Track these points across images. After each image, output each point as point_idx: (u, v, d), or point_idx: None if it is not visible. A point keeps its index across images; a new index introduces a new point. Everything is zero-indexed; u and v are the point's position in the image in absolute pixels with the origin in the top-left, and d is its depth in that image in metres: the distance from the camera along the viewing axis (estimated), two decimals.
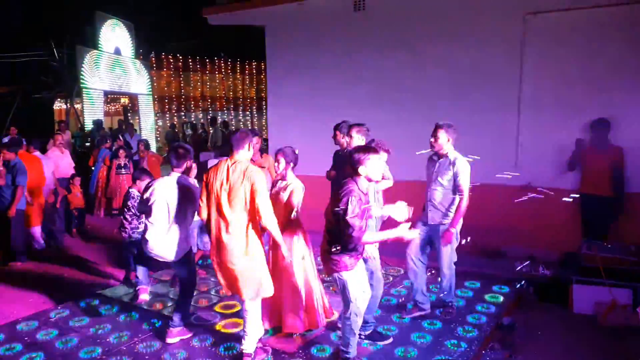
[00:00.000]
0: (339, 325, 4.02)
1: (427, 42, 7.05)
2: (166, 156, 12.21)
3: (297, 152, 4.38)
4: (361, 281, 3.67)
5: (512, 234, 6.38)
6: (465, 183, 4.41)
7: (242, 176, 3.67)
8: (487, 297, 5.20)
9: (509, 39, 6.53)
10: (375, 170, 3.53)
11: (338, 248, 3.51)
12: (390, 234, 3.62)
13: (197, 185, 4.74)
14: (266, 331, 4.26)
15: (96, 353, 4.12)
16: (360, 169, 3.48)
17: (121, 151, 9.52)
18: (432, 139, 4.51)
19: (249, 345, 3.82)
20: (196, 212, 4.11)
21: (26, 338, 4.42)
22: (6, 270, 6.49)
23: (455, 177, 4.42)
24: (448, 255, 4.57)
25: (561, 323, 4.79)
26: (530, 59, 6.42)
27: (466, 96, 6.73)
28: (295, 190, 4.23)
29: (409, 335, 4.33)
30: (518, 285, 5.43)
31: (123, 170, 9.42)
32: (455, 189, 4.44)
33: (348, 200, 3.37)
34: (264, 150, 5.90)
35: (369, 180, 3.56)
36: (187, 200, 4.16)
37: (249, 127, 21.53)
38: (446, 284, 4.69)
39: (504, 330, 4.60)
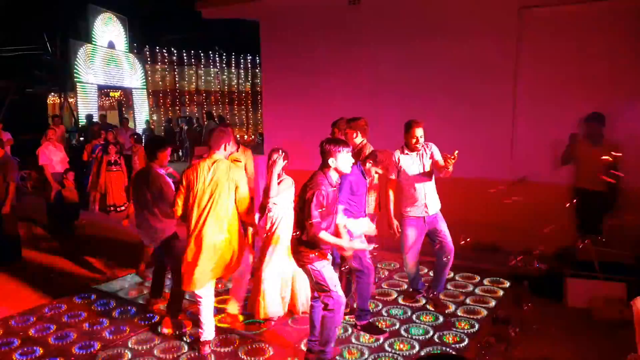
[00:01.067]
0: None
1: (422, 36, 7.03)
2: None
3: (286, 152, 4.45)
4: (334, 276, 3.66)
5: (507, 229, 6.40)
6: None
7: (226, 175, 3.80)
8: (482, 290, 5.23)
9: (503, 33, 6.53)
10: (345, 164, 3.55)
11: (298, 233, 3.52)
12: (344, 244, 3.63)
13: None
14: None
15: (92, 348, 4.11)
16: (330, 161, 3.50)
17: (111, 147, 9.20)
18: (418, 138, 4.48)
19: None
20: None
21: (21, 333, 4.41)
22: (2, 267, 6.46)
23: (433, 156, 4.54)
24: None
25: (556, 317, 4.81)
26: (525, 53, 6.42)
27: (461, 90, 6.72)
28: (283, 183, 4.41)
29: (405, 329, 4.35)
30: (513, 280, 5.45)
31: (114, 167, 9.15)
32: (435, 165, 4.52)
33: (314, 193, 3.41)
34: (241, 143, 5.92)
35: (339, 173, 3.58)
36: None
37: (242, 122, 21.51)
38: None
39: (499, 324, 4.62)
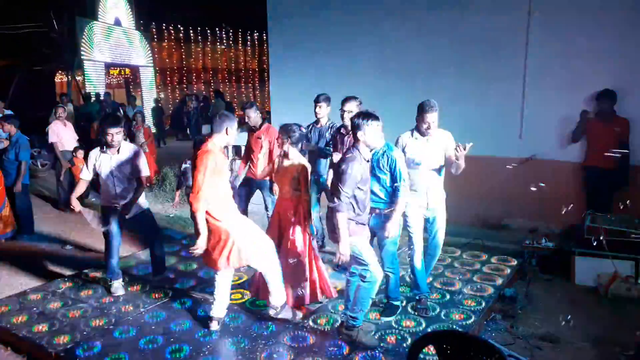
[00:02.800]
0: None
1: (432, 11, 6.91)
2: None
3: (303, 130, 4.34)
4: (371, 250, 3.70)
5: (515, 206, 6.39)
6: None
7: (199, 158, 3.77)
8: (489, 268, 5.24)
9: (514, 9, 6.40)
10: (374, 137, 3.56)
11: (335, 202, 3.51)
12: (345, 239, 3.55)
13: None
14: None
15: (104, 323, 4.19)
16: (359, 134, 3.52)
17: None
18: (430, 124, 4.11)
19: (275, 299, 4.06)
20: None
21: (34, 308, 4.49)
22: (16, 243, 6.58)
23: (447, 148, 4.22)
24: None
25: (563, 294, 4.84)
26: (536, 29, 6.30)
27: (471, 67, 6.63)
28: (303, 170, 4.26)
29: (413, 306, 4.38)
30: (521, 257, 5.46)
31: None
32: (447, 161, 4.26)
33: (348, 166, 3.48)
34: (265, 121, 5.93)
35: (370, 147, 3.60)
36: None
37: (251, 100, 21.40)
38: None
39: (505, 301, 4.65)
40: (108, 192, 4.63)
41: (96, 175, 4.65)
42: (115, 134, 4.46)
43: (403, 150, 4.21)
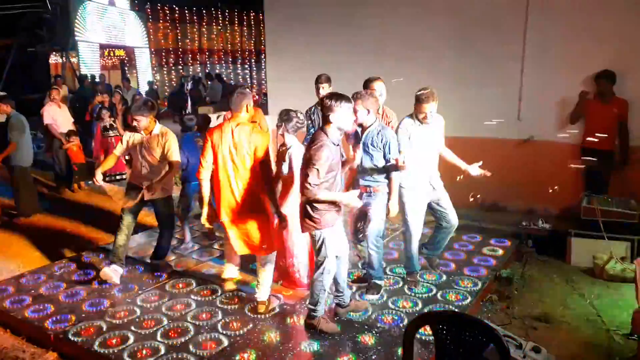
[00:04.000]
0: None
1: None
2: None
3: (301, 117, 4.25)
4: (337, 242, 3.66)
5: (513, 188, 6.40)
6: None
7: (248, 139, 3.79)
8: (485, 250, 5.26)
9: None
10: (346, 119, 3.46)
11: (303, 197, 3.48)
12: (341, 197, 3.58)
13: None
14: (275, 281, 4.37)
15: (102, 305, 4.21)
16: (331, 116, 3.42)
17: (104, 112, 8.58)
18: (427, 114, 4.12)
19: (262, 293, 4.04)
20: None
21: (33, 291, 4.51)
22: (17, 224, 6.59)
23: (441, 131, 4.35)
24: None
25: (558, 275, 4.87)
26: (535, 10, 6.23)
27: (469, 48, 6.56)
28: (294, 155, 4.22)
29: (409, 287, 4.41)
30: (517, 239, 5.49)
31: (110, 132, 8.52)
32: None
33: (315, 152, 3.35)
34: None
35: (340, 130, 3.51)
36: None
37: (247, 82, 21.28)
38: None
39: (501, 282, 4.68)
40: (136, 171, 4.67)
41: (129, 153, 4.75)
42: (139, 120, 4.48)
43: (407, 131, 4.24)
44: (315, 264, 3.68)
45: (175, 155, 4.60)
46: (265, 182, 3.90)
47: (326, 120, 3.45)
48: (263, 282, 4.03)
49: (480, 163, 4.21)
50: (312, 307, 3.70)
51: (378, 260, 4.25)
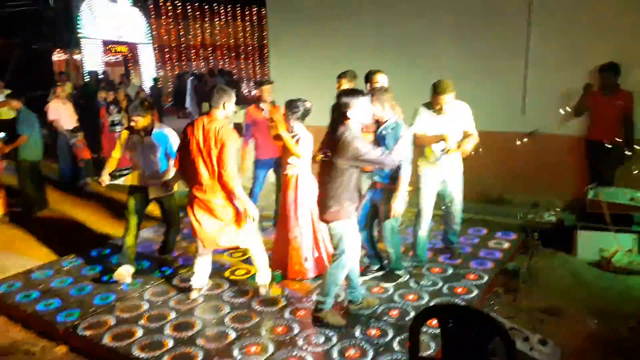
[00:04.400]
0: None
1: None
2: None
3: (307, 105, 4.38)
4: (356, 234, 3.69)
5: (518, 181, 6.39)
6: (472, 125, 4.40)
7: (215, 135, 3.77)
8: (491, 243, 5.27)
9: None
10: (364, 113, 3.50)
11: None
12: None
13: None
14: (274, 277, 4.40)
15: (110, 300, 4.24)
16: (349, 113, 3.43)
17: (112, 107, 8.74)
18: (443, 105, 4.19)
19: (263, 277, 4.20)
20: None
21: (42, 285, 4.55)
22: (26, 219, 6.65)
23: (466, 119, 4.37)
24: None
25: (564, 268, 4.87)
26: (538, 4, 6.20)
27: (472, 41, 6.53)
28: (300, 141, 4.31)
29: (415, 280, 4.42)
30: (523, 232, 5.48)
31: (117, 127, 8.69)
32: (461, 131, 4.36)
33: (356, 143, 3.38)
34: (274, 101, 5.81)
35: (361, 124, 3.56)
36: None
37: (256, 77, 21.25)
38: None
39: (508, 275, 4.69)
40: (139, 171, 4.68)
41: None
42: (136, 120, 4.48)
43: (423, 121, 4.31)
44: (333, 257, 3.71)
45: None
46: (227, 176, 3.80)
47: (344, 117, 3.45)
48: (259, 265, 4.19)
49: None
50: (321, 299, 3.72)
51: (395, 254, 4.33)
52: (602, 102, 5.71)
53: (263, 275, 4.24)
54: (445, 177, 4.48)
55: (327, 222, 3.63)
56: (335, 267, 3.64)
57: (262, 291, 4.19)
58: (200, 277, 4.25)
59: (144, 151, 4.60)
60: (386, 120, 4.07)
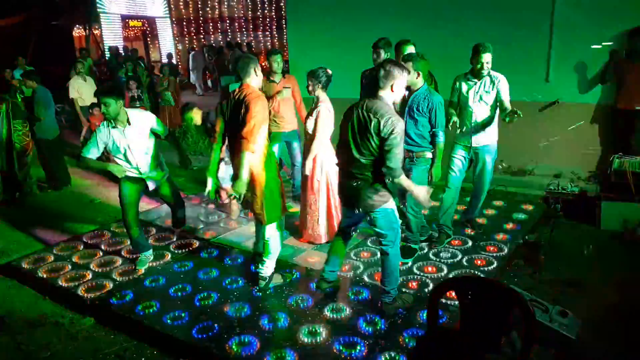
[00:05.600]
0: None
1: None
2: None
3: (329, 72, 4.39)
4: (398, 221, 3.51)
5: (541, 151, 6.27)
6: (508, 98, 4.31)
7: (243, 101, 3.58)
8: (513, 214, 5.21)
9: None
10: (401, 91, 3.29)
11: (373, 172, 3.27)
12: (417, 190, 3.31)
13: None
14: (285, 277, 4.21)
15: (135, 272, 4.36)
16: (394, 85, 3.18)
17: (131, 82, 8.65)
18: (484, 64, 4.19)
19: (267, 270, 3.97)
20: None
21: (68, 260, 4.68)
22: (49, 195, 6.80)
23: (499, 93, 4.28)
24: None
25: (587, 239, 4.80)
26: None
27: (496, 9, 6.35)
28: (321, 113, 4.36)
29: (434, 253, 4.42)
30: (544, 202, 5.41)
31: (137, 102, 8.67)
32: (499, 106, 4.32)
33: (399, 127, 3.10)
34: (286, 71, 5.76)
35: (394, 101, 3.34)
36: None
37: (270, 48, 21.06)
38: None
39: (528, 247, 4.65)
40: (127, 165, 4.21)
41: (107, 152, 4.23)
42: (107, 105, 3.97)
43: (459, 91, 4.36)
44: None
45: (164, 132, 4.35)
46: (249, 141, 3.51)
47: (383, 87, 3.20)
48: (268, 258, 3.91)
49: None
50: (385, 290, 3.53)
51: (416, 224, 4.32)
52: (630, 69, 5.52)
53: (267, 266, 3.96)
54: (474, 145, 4.46)
55: (373, 209, 3.38)
56: (388, 254, 3.44)
57: (261, 283, 3.98)
58: (270, 265, 3.98)
59: (131, 143, 4.15)
60: (417, 89, 4.02)
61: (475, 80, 4.34)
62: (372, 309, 3.61)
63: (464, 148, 4.49)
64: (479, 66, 4.24)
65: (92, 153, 4.11)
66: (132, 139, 4.12)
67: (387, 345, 3.19)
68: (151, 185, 4.37)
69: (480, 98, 4.33)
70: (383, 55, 4.66)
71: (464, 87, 4.39)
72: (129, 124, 4.10)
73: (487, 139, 4.45)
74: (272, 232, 3.85)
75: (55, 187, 6.99)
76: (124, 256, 4.69)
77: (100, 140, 4.10)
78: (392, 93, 3.21)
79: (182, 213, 4.86)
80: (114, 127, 4.08)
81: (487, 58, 4.20)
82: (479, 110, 4.36)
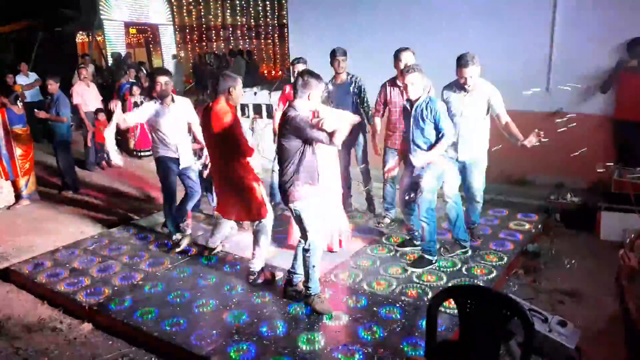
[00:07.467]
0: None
1: None
2: None
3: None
4: (317, 213, 3.66)
5: (541, 161, 6.27)
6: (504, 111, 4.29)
7: (216, 120, 3.95)
8: (512, 224, 5.21)
9: None
10: (317, 99, 3.58)
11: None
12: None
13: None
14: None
15: (134, 279, 4.34)
16: (311, 95, 3.50)
17: (135, 88, 8.70)
18: (466, 78, 4.12)
19: (257, 264, 4.15)
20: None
21: (68, 265, 4.67)
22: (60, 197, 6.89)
23: (492, 108, 4.26)
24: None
25: (587, 249, 4.79)
26: None
27: (497, 18, 6.38)
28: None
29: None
30: (545, 213, 5.41)
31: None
32: (497, 121, 4.29)
33: (299, 122, 3.42)
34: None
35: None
36: None
37: (276, 57, 21.14)
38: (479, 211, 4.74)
39: (529, 256, 4.64)
40: (167, 143, 4.67)
41: (151, 126, 4.69)
42: (164, 83, 4.55)
43: (446, 102, 4.31)
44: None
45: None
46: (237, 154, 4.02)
47: (301, 96, 3.51)
48: (257, 253, 4.13)
49: (536, 131, 4.08)
50: (306, 285, 3.76)
51: (429, 232, 4.24)
52: (630, 80, 5.54)
53: (256, 260, 4.16)
54: (461, 158, 4.39)
55: (286, 204, 3.75)
56: (307, 249, 3.67)
57: (250, 278, 4.15)
58: (259, 259, 4.20)
59: (172, 121, 4.76)
60: (418, 98, 4.06)
61: (460, 91, 4.27)
62: (371, 317, 3.60)
63: (453, 160, 4.40)
64: (462, 80, 4.17)
65: (130, 118, 4.75)
66: (175, 116, 4.65)
67: (386, 354, 3.17)
68: (185, 163, 4.76)
69: (463, 112, 4.25)
70: (346, 62, 5.18)
71: (450, 97, 4.33)
72: (173, 101, 4.66)
73: (472, 153, 4.35)
74: (259, 227, 4.11)
75: (72, 190, 7.02)
76: (123, 262, 4.69)
77: (144, 112, 4.63)
78: (308, 101, 3.51)
79: (190, 206, 4.98)
80: (161, 104, 4.61)
81: (468, 73, 4.08)
82: (464, 123, 4.27)
